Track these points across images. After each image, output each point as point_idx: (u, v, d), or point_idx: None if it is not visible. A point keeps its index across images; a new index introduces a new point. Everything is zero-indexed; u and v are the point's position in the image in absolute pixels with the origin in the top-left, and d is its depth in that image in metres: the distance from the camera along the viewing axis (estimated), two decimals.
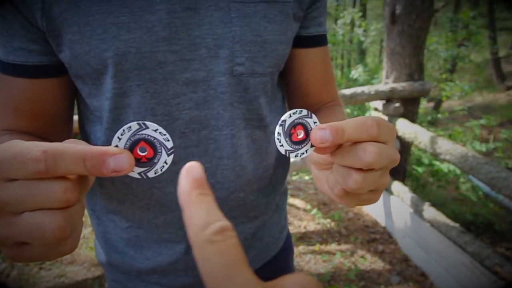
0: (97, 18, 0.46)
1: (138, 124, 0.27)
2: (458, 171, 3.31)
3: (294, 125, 0.31)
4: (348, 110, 5.86)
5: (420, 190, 3.21)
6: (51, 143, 0.25)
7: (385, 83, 2.67)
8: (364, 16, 9.00)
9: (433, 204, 2.24)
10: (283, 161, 0.66)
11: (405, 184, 2.71)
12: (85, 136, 0.58)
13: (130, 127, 0.27)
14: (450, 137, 4.02)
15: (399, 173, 2.73)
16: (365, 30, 6.85)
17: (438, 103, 6.79)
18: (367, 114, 4.64)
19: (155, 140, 0.28)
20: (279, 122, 0.31)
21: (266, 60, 0.53)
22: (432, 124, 5.74)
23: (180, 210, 0.63)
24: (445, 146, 2.00)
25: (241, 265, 0.18)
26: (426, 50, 4.09)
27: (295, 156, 0.32)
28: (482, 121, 4.77)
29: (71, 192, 0.25)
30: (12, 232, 0.25)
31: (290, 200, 2.90)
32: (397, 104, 2.50)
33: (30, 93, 0.51)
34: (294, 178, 3.44)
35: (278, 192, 0.67)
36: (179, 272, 0.61)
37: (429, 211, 2.17)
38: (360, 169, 0.31)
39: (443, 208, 2.73)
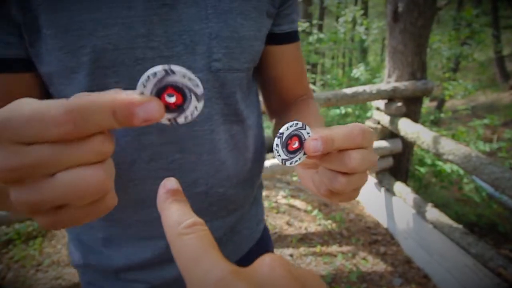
0: (73, 14, 0.45)
1: (164, 70, 0.26)
2: (461, 172, 3.32)
3: (290, 137, 0.34)
4: (349, 110, 5.86)
5: (423, 190, 3.21)
6: (73, 98, 0.23)
7: (387, 82, 2.67)
8: (365, 14, 9.00)
9: (436, 205, 2.24)
10: (259, 155, 0.68)
11: (408, 185, 2.71)
12: None
13: (155, 73, 0.25)
14: (453, 137, 4.03)
15: (401, 173, 2.74)
16: (366, 28, 6.85)
17: (441, 102, 6.79)
18: (368, 114, 4.64)
19: (183, 86, 0.27)
20: (278, 134, 0.34)
21: (243, 56, 0.55)
22: (435, 123, 5.74)
23: None
24: (448, 146, 2.00)
25: (210, 250, 0.20)
26: (429, 49, 4.09)
27: (290, 164, 0.35)
28: (486, 121, 4.77)
29: (109, 142, 0.24)
30: (49, 195, 0.23)
31: (291, 201, 2.90)
32: (399, 104, 2.50)
33: (8, 89, 0.49)
34: (294, 179, 3.44)
35: (255, 185, 0.69)
36: (163, 265, 0.62)
37: (432, 212, 2.17)
38: (345, 173, 0.35)
39: (446, 209, 2.73)
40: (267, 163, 2.36)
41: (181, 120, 0.28)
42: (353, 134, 0.34)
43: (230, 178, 0.61)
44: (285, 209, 2.76)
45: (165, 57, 0.50)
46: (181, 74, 0.26)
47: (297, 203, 2.89)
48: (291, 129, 0.34)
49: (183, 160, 0.56)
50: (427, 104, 6.17)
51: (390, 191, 2.55)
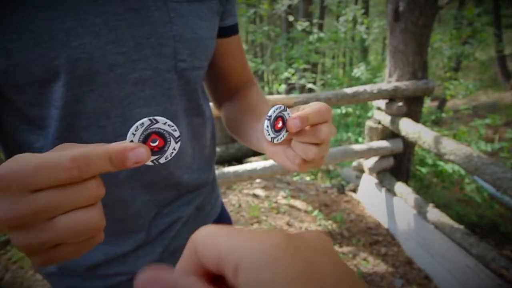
0: (41, 24, 0.43)
1: (150, 120, 0.33)
2: (462, 172, 3.32)
3: (276, 118, 0.42)
4: (350, 110, 5.86)
5: (424, 191, 3.21)
6: (71, 149, 0.29)
7: (388, 81, 2.67)
8: (366, 13, 9.00)
9: (437, 206, 2.24)
10: (213, 140, 0.76)
11: (409, 185, 2.71)
12: (13, 146, 0.55)
13: (142, 123, 0.32)
14: (454, 137, 4.02)
15: (402, 173, 2.73)
16: (367, 28, 6.85)
17: (442, 102, 6.79)
18: (369, 114, 4.64)
19: (164, 132, 0.34)
20: (267, 116, 0.41)
21: (203, 55, 0.59)
22: (436, 123, 5.74)
23: (140, 202, 0.61)
24: (449, 146, 2.00)
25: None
26: (430, 48, 4.08)
27: (277, 141, 0.43)
28: (487, 121, 4.77)
29: (101, 186, 0.30)
30: (49, 237, 0.27)
31: (291, 201, 2.90)
32: (400, 103, 2.50)
33: None
34: (295, 179, 3.44)
35: (213, 168, 0.77)
36: (142, 254, 0.65)
37: (433, 213, 2.17)
38: (316, 144, 0.43)
39: (447, 210, 2.73)
40: (267, 163, 2.36)
41: (162, 160, 0.35)
42: (321, 111, 0.42)
43: (191, 164, 0.67)
44: (285, 210, 2.76)
45: (134, 61, 0.51)
46: (163, 122, 0.33)
47: (297, 203, 2.88)
48: (276, 112, 0.42)
49: None
50: (428, 104, 6.17)
51: (391, 191, 2.55)
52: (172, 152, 0.35)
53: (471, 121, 5.28)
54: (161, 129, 0.33)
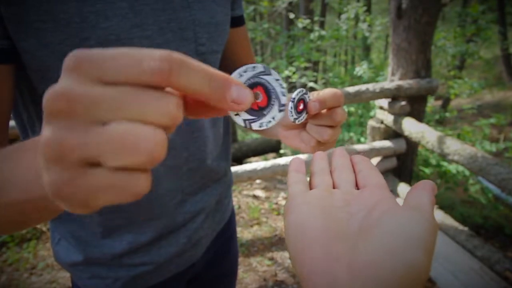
0: (72, 6, 0.46)
1: (264, 67, 0.27)
2: (467, 172, 3.31)
3: (298, 100, 0.44)
4: (352, 109, 5.85)
5: None
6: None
7: (390, 80, 2.67)
8: (368, 10, 9.01)
9: (441, 207, 2.24)
10: (227, 129, 0.79)
11: (412, 186, 2.71)
12: (35, 134, 0.56)
13: (254, 67, 0.27)
14: (458, 136, 4.03)
15: (405, 174, 2.74)
16: (369, 25, 6.85)
17: (446, 101, 6.79)
18: (372, 113, 4.64)
19: (272, 90, 0.28)
20: (291, 99, 0.43)
21: (220, 39, 0.63)
22: (440, 123, 5.74)
23: (164, 188, 0.63)
24: (453, 146, 2.00)
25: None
26: (434, 46, 4.09)
27: (298, 122, 0.45)
28: (492, 120, 4.77)
29: (180, 110, 0.22)
30: (93, 140, 0.20)
31: None
32: (403, 103, 2.50)
33: None
34: None
35: (229, 154, 0.80)
36: (164, 242, 0.67)
37: (437, 214, 2.17)
38: (331, 126, 0.47)
39: (451, 211, 2.73)
40: (268, 163, 2.36)
41: (255, 126, 0.28)
42: (337, 95, 0.45)
43: (212, 151, 0.69)
44: None
45: (159, 45, 0.54)
46: (275, 77, 0.28)
47: None
48: (299, 94, 0.44)
49: (178, 140, 0.62)
50: (432, 103, 6.17)
51: (393, 192, 2.55)
52: (270, 121, 0.28)
53: (475, 121, 5.28)
54: (270, 84, 0.28)
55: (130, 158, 0.20)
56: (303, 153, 0.53)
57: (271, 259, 2.23)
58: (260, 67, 0.27)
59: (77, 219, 0.63)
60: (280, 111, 0.28)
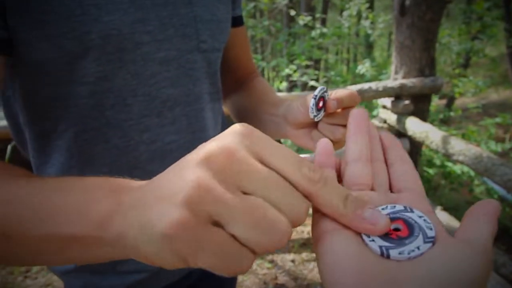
0: None
1: (404, 206, 0.27)
2: (472, 173, 3.31)
3: (319, 98, 0.48)
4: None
5: (432, 193, 3.21)
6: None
7: (394, 79, 2.67)
8: (371, 7, 9.01)
9: (446, 208, 2.24)
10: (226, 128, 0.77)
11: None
12: (35, 135, 0.56)
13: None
14: (463, 136, 4.03)
15: None
16: (372, 23, 6.85)
17: (450, 100, 6.79)
18: (374, 112, 4.64)
19: (415, 224, 0.26)
20: (313, 96, 0.47)
21: (221, 37, 0.63)
22: (444, 122, 5.74)
23: None
24: (458, 146, 2.00)
25: None
26: (438, 44, 4.09)
27: (317, 119, 0.49)
28: (498, 120, 4.77)
29: (305, 216, 0.24)
30: (230, 200, 0.22)
31: None
32: (407, 102, 2.50)
33: None
34: None
35: None
36: None
37: (441, 216, 2.17)
38: (344, 125, 0.49)
39: (456, 212, 2.73)
40: None
41: (393, 253, 0.24)
42: (353, 95, 0.48)
43: None
44: None
45: (159, 41, 0.54)
46: (419, 214, 0.26)
47: None
48: (320, 92, 0.47)
49: (180, 140, 0.61)
50: (436, 102, 6.17)
51: None
52: (414, 251, 0.24)
53: (480, 120, 5.28)
54: (413, 219, 0.26)
55: (254, 233, 0.22)
56: (308, 152, 0.55)
57: (272, 261, 2.23)
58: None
59: None
60: (426, 242, 0.25)
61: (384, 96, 2.53)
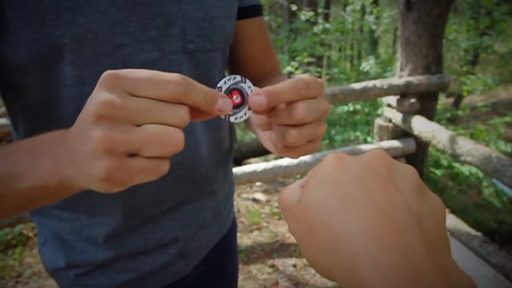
0: (47, 2, 0.46)
1: (241, 77, 0.38)
2: (480, 174, 3.31)
3: (230, 91, 0.39)
4: (358, 107, 5.86)
5: (439, 195, 3.19)
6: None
7: (399, 76, 2.67)
8: (376, 1, 9.01)
9: (453, 211, 2.25)
10: (230, 132, 0.76)
11: None
12: (30, 131, 0.57)
13: (235, 77, 0.38)
14: (471, 136, 4.03)
15: None
16: (377, 18, 6.85)
17: (458, 98, 6.79)
18: (379, 111, 4.64)
19: (246, 95, 0.38)
20: (216, 88, 0.38)
21: (215, 36, 0.60)
22: (451, 122, 5.74)
23: (146, 194, 0.63)
24: (466, 146, 2.00)
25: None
26: (445, 40, 4.09)
27: (235, 120, 0.39)
28: (507, 119, 4.77)
29: (188, 116, 0.33)
30: (131, 138, 0.30)
31: None
32: (413, 100, 2.50)
33: None
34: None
35: (229, 164, 0.78)
36: (151, 253, 0.67)
37: (449, 219, 2.17)
38: (295, 125, 0.39)
39: (464, 215, 2.73)
40: (268, 164, 2.36)
41: (232, 118, 0.38)
42: (298, 86, 0.37)
43: (207, 157, 0.67)
44: None
45: (141, 42, 0.53)
46: (248, 85, 0.38)
47: None
48: (229, 83, 0.38)
49: None
50: (443, 101, 6.18)
51: None
52: (242, 116, 0.38)
53: (489, 119, 5.28)
54: (244, 89, 0.38)
55: (162, 149, 0.32)
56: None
57: (272, 266, 2.23)
58: (238, 77, 0.38)
59: (67, 221, 0.63)
60: (250, 109, 0.38)
61: (389, 94, 2.53)
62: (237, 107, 0.38)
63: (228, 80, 0.38)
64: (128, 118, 0.31)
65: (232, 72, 0.75)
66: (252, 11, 0.68)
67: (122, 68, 0.51)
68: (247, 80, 0.39)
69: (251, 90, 0.39)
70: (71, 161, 0.34)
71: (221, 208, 0.76)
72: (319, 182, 0.26)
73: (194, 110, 0.35)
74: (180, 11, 0.55)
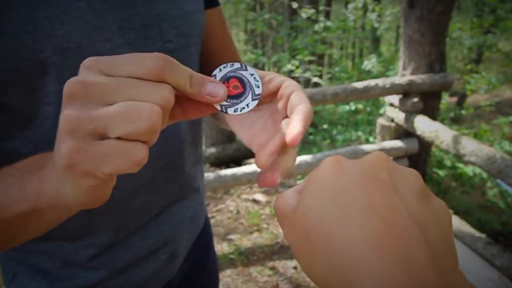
0: (22, 13, 0.42)
1: (241, 64, 0.35)
2: (484, 175, 3.31)
3: (226, 79, 0.36)
4: (360, 106, 5.86)
5: (442, 196, 3.21)
6: None
7: (402, 75, 2.67)
8: None
9: (457, 212, 2.25)
10: (201, 131, 0.75)
11: None
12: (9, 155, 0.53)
13: (233, 64, 0.35)
14: (475, 136, 4.03)
15: None
16: (379, 15, 6.85)
17: (462, 97, 6.79)
18: (381, 110, 4.64)
19: (248, 83, 0.35)
20: (212, 75, 0.36)
21: (190, 32, 0.59)
22: (455, 121, 5.75)
23: (136, 202, 0.61)
24: (469, 146, 2.00)
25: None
26: (448, 38, 4.09)
27: (234, 112, 0.35)
28: None
29: (172, 97, 0.30)
30: (100, 116, 0.27)
31: None
32: (416, 99, 2.50)
33: None
34: (298, 182, 3.44)
35: (203, 161, 0.78)
36: (147, 259, 0.66)
37: (452, 220, 2.17)
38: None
39: (468, 217, 2.73)
40: None
41: (230, 110, 0.34)
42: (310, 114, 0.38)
43: (189, 156, 0.67)
44: None
45: (120, 47, 0.51)
46: (251, 72, 0.35)
47: None
48: (225, 70, 0.35)
49: (152, 148, 0.59)
50: (447, 100, 6.18)
51: None
52: (244, 108, 0.34)
53: (494, 119, 5.28)
54: (245, 77, 0.35)
55: (132, 125, 0.28)
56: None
57: (273, 268, 2.23)
58: (237, 64, 0.35)
59: (43, 252, 0.60)
60: (254, 99, 0.35)
61: (391, 93, 2.53)
62: (236, 97, 0.35)
63: (224, 67, 0.35)
64: (100, 97, 0.28)
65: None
66: (211, 1, 0.66)
67: None
68: (249, 67, 0.36)
69: (255, 78, 0.36)
70: (52, 168, 0.32)
71: (200, 207, 0.77)
72: (317, 189, 0.26)
73: (187, 103, 0.34)
74: (155, 10, 0.53)
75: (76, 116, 0.28)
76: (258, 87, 0.35)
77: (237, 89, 0.35)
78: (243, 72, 0.36)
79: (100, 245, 0.60)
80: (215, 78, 0.36)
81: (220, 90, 0.33)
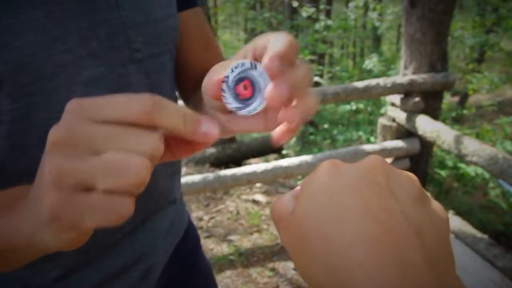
0: None
1: (251, 63, 0.34)
2: (486, 175, 3.31)
3: (238, 80, 0.35)
4: (361, 105, 5.86)
5: (444, 196, 3.22)
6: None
7: (403, 74, 2.67)
8: None
9: (458, 213, 2.25)
10: None
11: (426, 190, 2.71)
12: None
13: (243, 63, 0.34)
14: (477, 136, 4.03)
15: (419, 177, 2.73)
16: (380, 14, 6.85)
17: (463, 97, 6.79)
18: (382, 110, 4.64)
19: (256, 83, 0.35)
20: (223, 78, 0.35)
21: (161, 39, 0.56)
22: (457, 121, 5.74)
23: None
24: (471, 146, 2.00)
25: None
26: (450, 37, 4.09)
27: (248, 113, 0.36)
28: None
29: (163, 145, 0.28)
30: (86, 167, 0.26)
31: None
32: (417, 99, 2.50)
33: None
34: (299, 183, 3.44)
35: (180, 172, 0.75)
36: (119, 277, 0.63)
37: (454, 220, 2.17)
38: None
39: (470, 217, 2.73)
40: (269, 165, 2.36)
41: (241, 113, 0.35)
42: (292, 46, 0.34)
43: (168, 167, 0.65)
44: None
45: (82, 58, 0.48)
46: (260, 72, 0.34)
47: None
48: (236, 71, 0.35)
49: None
50: (448, 99, 6.17)
51: None
52: (255, 109, 0.35)
53: (496, 119, 5.28)
54: (255, 78, 0.34)
55: (119, 180, 0.26)
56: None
57: (273, 269, 2.23)
58: (247, 63, 0.34)
59: (6, 273, 0.55)
60: (263, 101, 0.34)
61: (392, 93, 2.53)
62: (247, 99, 0.35)
63: (236, 68, 0.35)
64: (86, 146, 0.27)
65: (177, 73, 0.70)
66: (186, 2, 0.63)
67: (66, 90, 0.47)
68: (258, 65, 0.35)
69: (263, 78, 0.35)
70: (32, 210, 0.30)
71: (176, 220, 0.73)
72: (313, 192, 0.26)
73: (178, 144, 0.33)
74: (121, 18, 0.50)
75: (62, 166, 0.26)
76: (267, 86, 0.34)
77: (247, 90, 0.35)
78: (253, 72, 0.35)
79: (66, 266, 0.57)
80: (228, 79, 0.35)
81: (215, 128, 0.31)
